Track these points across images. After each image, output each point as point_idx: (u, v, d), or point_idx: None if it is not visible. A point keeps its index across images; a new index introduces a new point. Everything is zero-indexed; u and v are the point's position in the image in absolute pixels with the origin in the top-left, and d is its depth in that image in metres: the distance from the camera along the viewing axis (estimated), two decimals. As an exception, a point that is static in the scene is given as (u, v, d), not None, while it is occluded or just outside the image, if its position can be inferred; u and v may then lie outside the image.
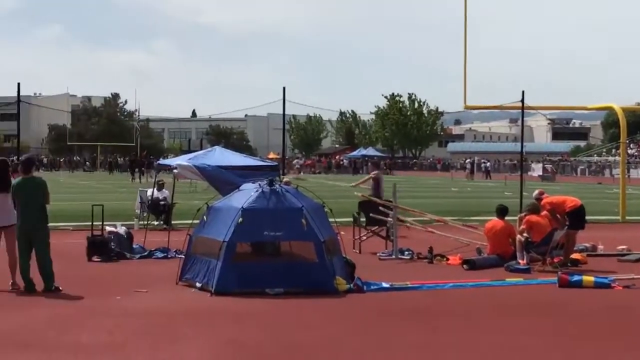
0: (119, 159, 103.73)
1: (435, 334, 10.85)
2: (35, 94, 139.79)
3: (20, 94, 25.78)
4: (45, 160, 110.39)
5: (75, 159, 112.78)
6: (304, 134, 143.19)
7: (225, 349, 9.92)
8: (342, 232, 15.58)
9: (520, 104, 30.28)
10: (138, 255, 18.11)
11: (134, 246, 18.56)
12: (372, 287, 13.96)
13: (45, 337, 10.39)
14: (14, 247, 13.62)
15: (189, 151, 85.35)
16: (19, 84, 25.52)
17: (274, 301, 12.79)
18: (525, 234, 17.12)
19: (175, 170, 18.69)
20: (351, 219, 20.40)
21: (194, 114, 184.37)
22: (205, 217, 14.50)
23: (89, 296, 13.18)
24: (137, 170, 68.37)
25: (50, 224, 14.00)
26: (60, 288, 13.53)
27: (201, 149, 75.57)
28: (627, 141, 62.54)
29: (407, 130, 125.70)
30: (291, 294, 13.10)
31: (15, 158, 23.46)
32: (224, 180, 17.19)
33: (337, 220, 15.80)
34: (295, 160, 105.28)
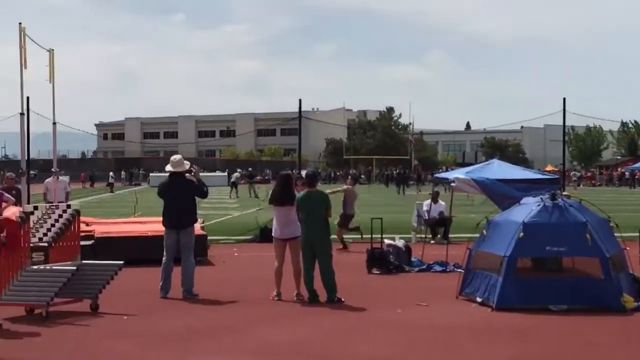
0: (394, 172, 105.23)
1: None
2: (313, 109, 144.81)
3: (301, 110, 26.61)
4: (323, 173, 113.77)
5: (351, 172, 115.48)
6: (583, 145, 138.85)
7: (509, 367, 9.70)
8: (628, 248, 14.85)
9: None
10: (417, 269, 18.15)
11: (412, 259, 18.63)
12: (662, 306, 13.20)
13: (328, 347, 10.58)
14: (298, 259, 14.04)
15: (463, 164, 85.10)
16: (300, 100, 26.47)
17: (557, 318, 12.38)
18: None
19: (453, 184, 18.59)
20: (637, 234, 19.42)
21: (468, 126, 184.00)
22: (484, 231, 14.29)
23: (370, 308, 13.32)
24: (405, 183, 69.04)
25: (331, 236, 14.32)
26: (343, 299, 13.78)
27: (475, 161, 75.33)
28: None
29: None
30: (575, 310, 12.64)
31: (296, 171, 24.24)
32: (503, 193, 16.90)
33: (623, 234, 15.10)
34: (573, 172, 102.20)
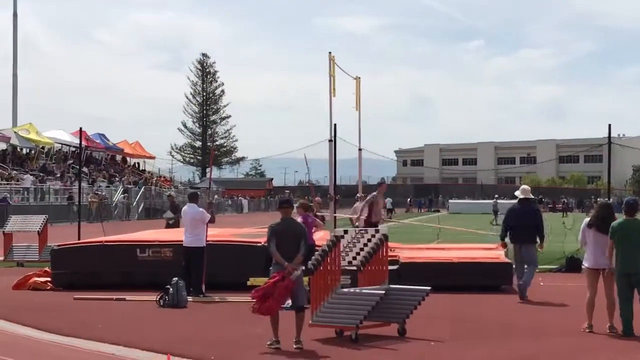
0: None
1: None
2: (618, 134, 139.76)
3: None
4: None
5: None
6: None
7: None
8: None
9: None
10: None
11: None
12: None
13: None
14: (612, 290, 13.39)
15: None
16: (609, 125, 25.18)
17: None
18: None
19: None
20: None
21: None
22: None
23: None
24: None
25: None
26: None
27: None
28: None
29: None
30: None
31: (605, 200, 23.19)
32: None
33: None
34: None
